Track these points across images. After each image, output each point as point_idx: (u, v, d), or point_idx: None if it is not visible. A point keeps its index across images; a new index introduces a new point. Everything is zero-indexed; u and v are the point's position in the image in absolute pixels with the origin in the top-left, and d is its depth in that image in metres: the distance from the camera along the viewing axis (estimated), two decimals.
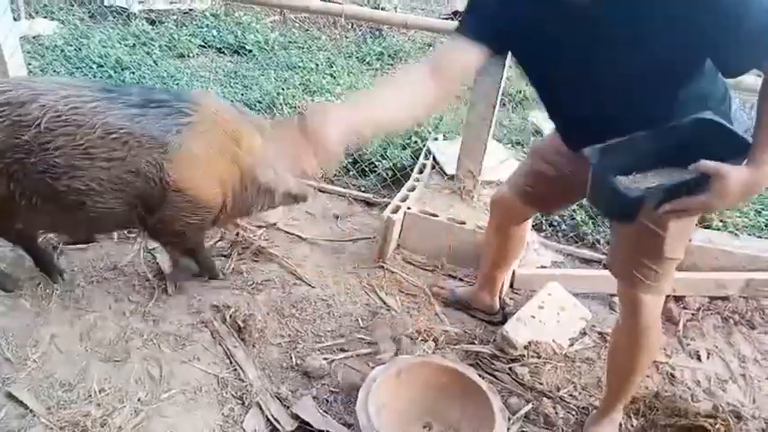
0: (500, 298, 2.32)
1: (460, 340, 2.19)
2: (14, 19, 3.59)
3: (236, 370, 1.99)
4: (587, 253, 2.75)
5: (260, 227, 2.75)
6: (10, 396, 1.76)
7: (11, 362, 1.90)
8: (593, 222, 2.80)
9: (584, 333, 2.27)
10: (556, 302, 2.32)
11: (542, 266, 2.65)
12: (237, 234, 2.66)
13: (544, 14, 1.25)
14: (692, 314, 2.44)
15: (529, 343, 2.13)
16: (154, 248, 2.51)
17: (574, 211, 2.83)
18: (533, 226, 2.74)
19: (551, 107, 1.53)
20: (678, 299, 2.49)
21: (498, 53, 1.36)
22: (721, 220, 2.72)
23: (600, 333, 2.28)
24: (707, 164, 1.14)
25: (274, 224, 2.79)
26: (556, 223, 2.86)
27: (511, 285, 2.50)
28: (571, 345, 2.20)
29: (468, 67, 1.33)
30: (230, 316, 2.17)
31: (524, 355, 2.10)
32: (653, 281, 1.57)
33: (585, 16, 1.19)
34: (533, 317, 2.22)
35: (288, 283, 2.45)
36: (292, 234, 2.77)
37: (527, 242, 2.65)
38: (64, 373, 1.88)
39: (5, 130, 1.81)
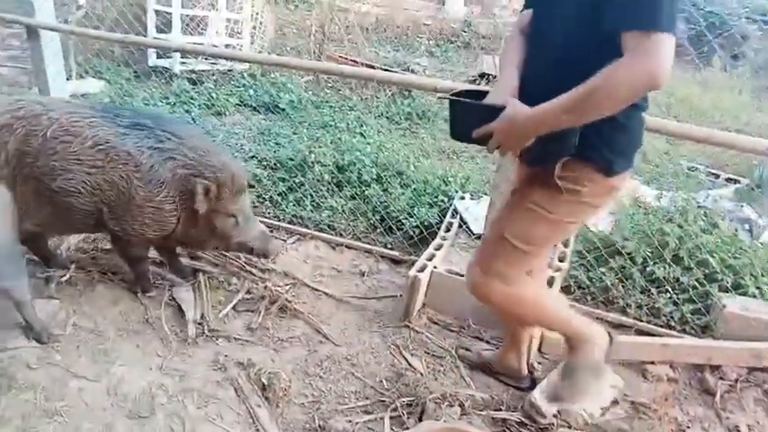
0: (528, 362, 2.27)
1: (487, 406, 2.13)
2: (66, 79, 3.82)
3: (258, 430, 1.97)
4: (617, 317, 2.68)
5: (286, 283, 2.79)
6: None
7: (39, 415, 1.92)
8: (623, 286, 2.75)
9: (615, 402, 2.18)
10: None
11: None
12: (266, 287, 2.70)
13: None
14: (730, 385, 2.34)
15: (558, 411, 2.06)
16: (182, 299, 2.56)
17: (603, 273, 2.79)
18: (562, 288, 2.70)
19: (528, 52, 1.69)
20: (714, 368, 2.39)
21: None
22: (758, 287, 2.64)
23: (632, 403, 2.20)
24: (508, 98, 1.48)
25: (301, 280, 2.82)
26: (585, 286, 2.81)
27: (539, 349, 2.45)
28: (602, 414, 2.12)
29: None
30: (255, 373, 2.17)
31: (553, 424, 2.03)
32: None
33: None
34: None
35: (312, 341, 2.45)
36: (318, 290, 2.79)
37: None
38: (89, 429, 1.89)
39: (20, 139, 2.14)
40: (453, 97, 1.60)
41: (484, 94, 1.66)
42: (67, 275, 2.63)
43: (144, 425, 1.93)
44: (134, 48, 5.77)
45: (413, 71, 6.60)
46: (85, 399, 2.01)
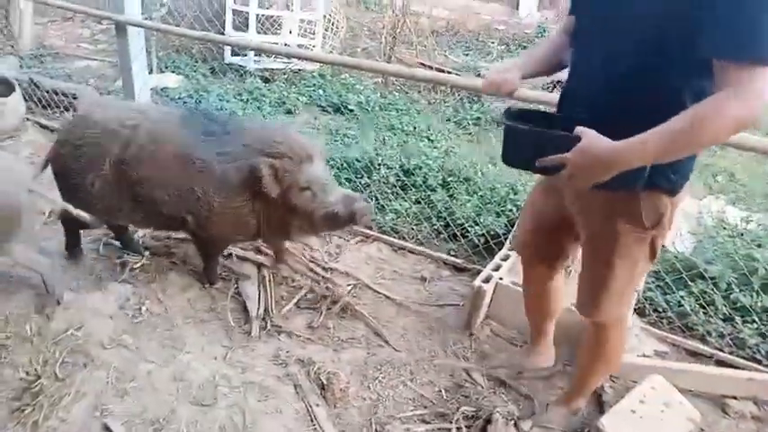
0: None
1: (551, 428, 2.04)
2: (148, 73, 3.99)
3: (315, 429, 1.96)
4: (695, 345, 2.51)
5: (348, 283, 2.78)
6: (106, 428, 1.84)
7: (111, 393, 1.99)
8: (704, 312, 2.57)
9: None
10: (659, 398, 2.12)
11: (643, 355, 2.44)
12: (327, 287, 2.70)
13: None
14: None
15: None
16: (247, 294, 2.60)
17: (682, 297, 2.62)
18: (635, 310, 2.56)
19: (574, 63, 1.62)
20: None
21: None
22: None
23: None
24: (579, 127, 1.31)
25: (362, 281, 2.81)
26: (661, 309, 2.65)
27: None
28: None
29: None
30: (314, 372, 2.17)
31: None
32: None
33: None
34: (633, 411, 2.04)
35: (372, 344, 2.43)
36: (379, 293, 2.77)
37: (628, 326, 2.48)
38: (155, 411, 1.94)
39: (121, 146, 2.25)
40: (512, 123, 1.50)
41: (542, 114, 1.59)
42: (141, 262, 2.73)
43: (206, 413, 1.97)
44: (211, 45, 5.97)
45: (483, 76, 6.49)
46: (153, 382, 2.07)
